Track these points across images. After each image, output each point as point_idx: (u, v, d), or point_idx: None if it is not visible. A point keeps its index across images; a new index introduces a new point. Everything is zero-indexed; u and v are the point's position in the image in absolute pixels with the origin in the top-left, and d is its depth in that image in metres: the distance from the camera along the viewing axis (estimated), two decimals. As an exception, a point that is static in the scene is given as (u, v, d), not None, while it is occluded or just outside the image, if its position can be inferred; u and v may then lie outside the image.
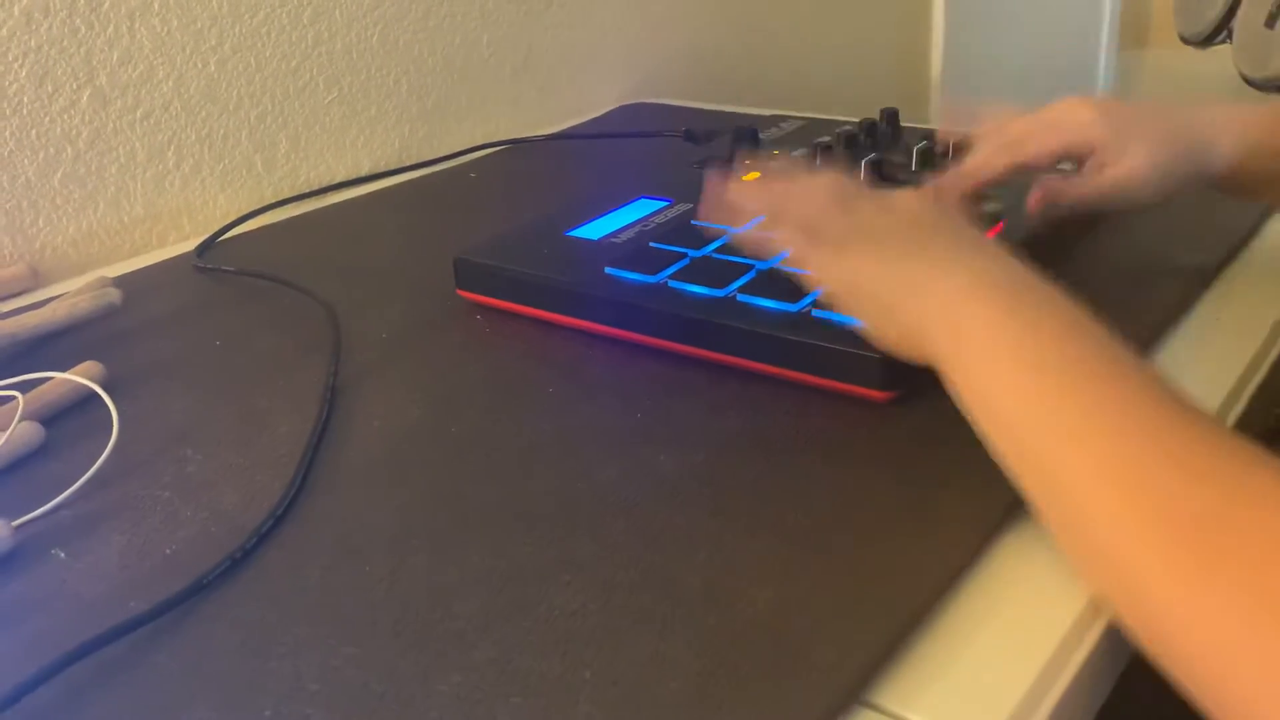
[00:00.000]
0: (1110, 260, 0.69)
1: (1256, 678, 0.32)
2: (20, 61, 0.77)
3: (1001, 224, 0.64)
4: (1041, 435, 0.40)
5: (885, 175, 0.76)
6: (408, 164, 1.00)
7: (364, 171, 0.99)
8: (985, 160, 0.63)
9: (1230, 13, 1.19)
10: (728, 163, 0.81)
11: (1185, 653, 0.35)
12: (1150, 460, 0.37)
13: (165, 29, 0.84)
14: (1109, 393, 0.40)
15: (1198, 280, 0.65)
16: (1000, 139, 0.63)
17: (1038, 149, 0.62)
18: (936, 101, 1.81)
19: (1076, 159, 0.63)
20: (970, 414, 0.44)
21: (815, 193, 0.54)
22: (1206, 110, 0.62)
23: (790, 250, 0.54)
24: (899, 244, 0.49)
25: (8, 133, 0.77)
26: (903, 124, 0.87)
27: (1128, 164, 0.60)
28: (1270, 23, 1.11)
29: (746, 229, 0.58)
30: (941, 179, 0.64)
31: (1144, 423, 0.38)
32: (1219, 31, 1.22)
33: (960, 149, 0.78)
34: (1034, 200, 0.63)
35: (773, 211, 0.55)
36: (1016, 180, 0.63)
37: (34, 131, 0.78)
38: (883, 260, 0.49)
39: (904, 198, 0.53)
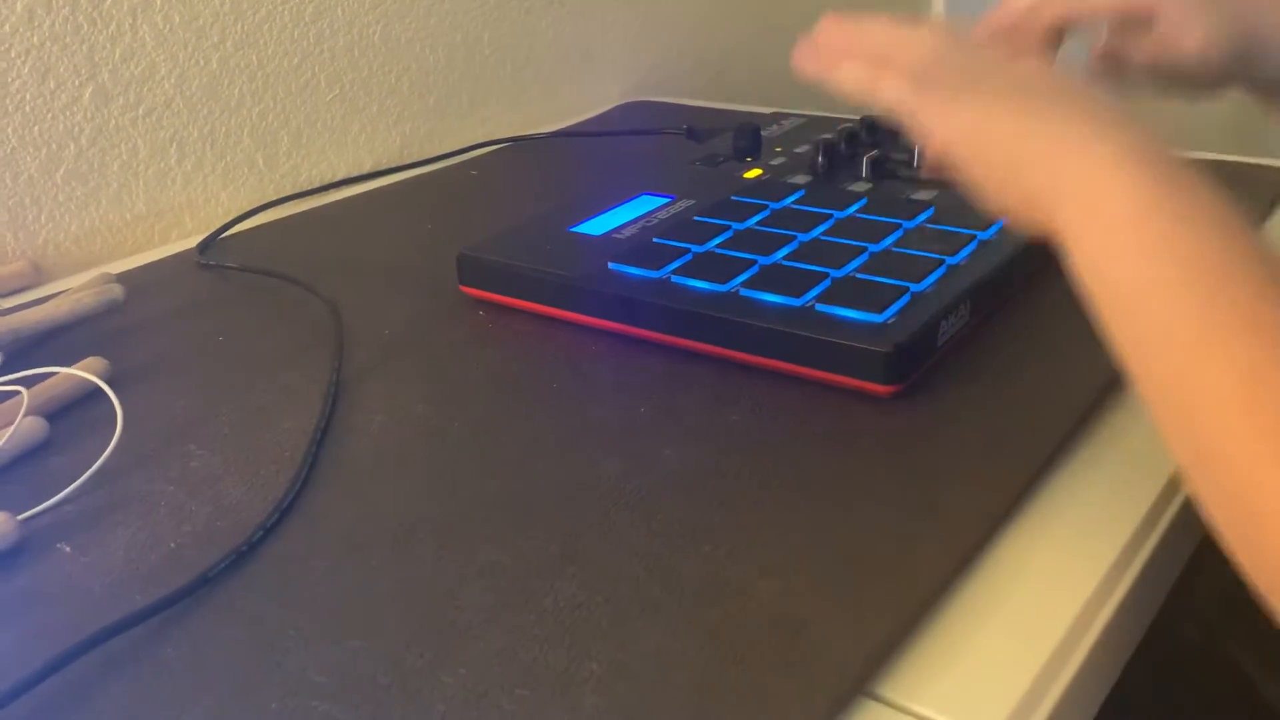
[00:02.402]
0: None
1: None
2: (23, 58, 0.77)
3: None
4: (1172, 337, 0.37)
5: (887, 172, 0.76)
6: (409, 161, 1.00)
7: (365, 169, 0.99)
8: (1032, 9, 0.56)
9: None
10: (730, 161, 0.81)
11: None
12: None
13: (167, 26, 0.84)
14: (1255, 308, 0.36)
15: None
16: None
17: (1096, 3, 0.57)
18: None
19: (1130, 26, 0.57)
20: (1093, 299, 0.40)
21: (928, 41, 0.47)
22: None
23: (897, 98, 0.47)
24: (1033, 99, 0.44)
25: (10, 129, 0.77)
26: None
27: (1195, 35, 0.55)
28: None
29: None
30: (979, 25, 0.58)
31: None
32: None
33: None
34: (1094, 60, 0.58)
35: (878, 58, 0.48)
36: (1061, 38, 0.57)
37: (36, 128, 0.78)
38: (1014, 114, 0.43)
39: (1029, 61, 0.47)
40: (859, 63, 0.48)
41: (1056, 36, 0.58)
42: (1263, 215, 0.73)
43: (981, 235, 0.63)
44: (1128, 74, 0.58)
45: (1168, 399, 0.37)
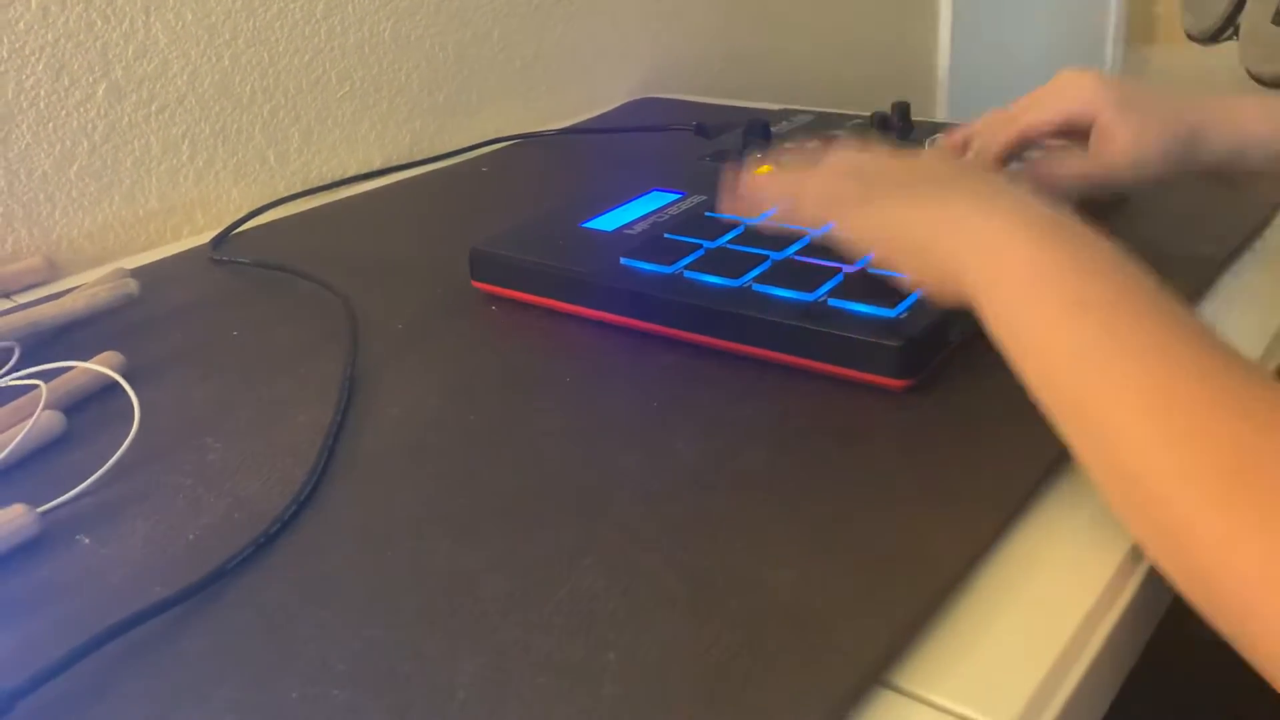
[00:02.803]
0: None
1: None
2: (37, 55, 0.77)
3: None
4: (1078, 370, 0.40)
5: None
6: (419, 158, 1.00)
7: (375, 165, 1.00)
8: (988, 136, 0.64)
9: (1237, 9, 1.20)
10: (739, 156, 0.81)
11: (1221, 586, 0.35)
12: (1187, 395, 0.37)
13: (180, 23, 0.84)
14: (1149, 329, 0.39)
15: (1206, 272, 0.66)
16: (999, 117, 0.64)
17: (1038, 117, 0.63)
18: (944, 96, 1.82)
19: (1076, 133, 0.63)
20: (1005, 349, 0.44)
21: (829, 170, 0.54)
22: (1201, 98, 0.62)
23: (813, 221, 0.54)
24: (928, 187, 0.49)
25: (25, 126, 0.77)
26: (914, 118, 0.88)
27: (1127, 138, 0.60)
28: (1277, 20, 1.11)
29: (764, 219, 0.59)
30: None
31: (1183, 360, 0.38)
32: (1226, 28, 1.22)
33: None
34: (1027, 177, 0.63)
35: (790, 196, 0.56)
36: (1020, 153, 0.64)
37: (50, 125, 0.79)
38: (913, 203, 0.49)
39: (924, 154, 0.53)
40: (777, 201, 0.57)
41: (1009, 157, 0.66)
42: (1262, 223, 0.73)
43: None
44: (1060, 187, 0.63)
45: (1082, 424, 0.40)
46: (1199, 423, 0.36)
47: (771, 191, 0.58)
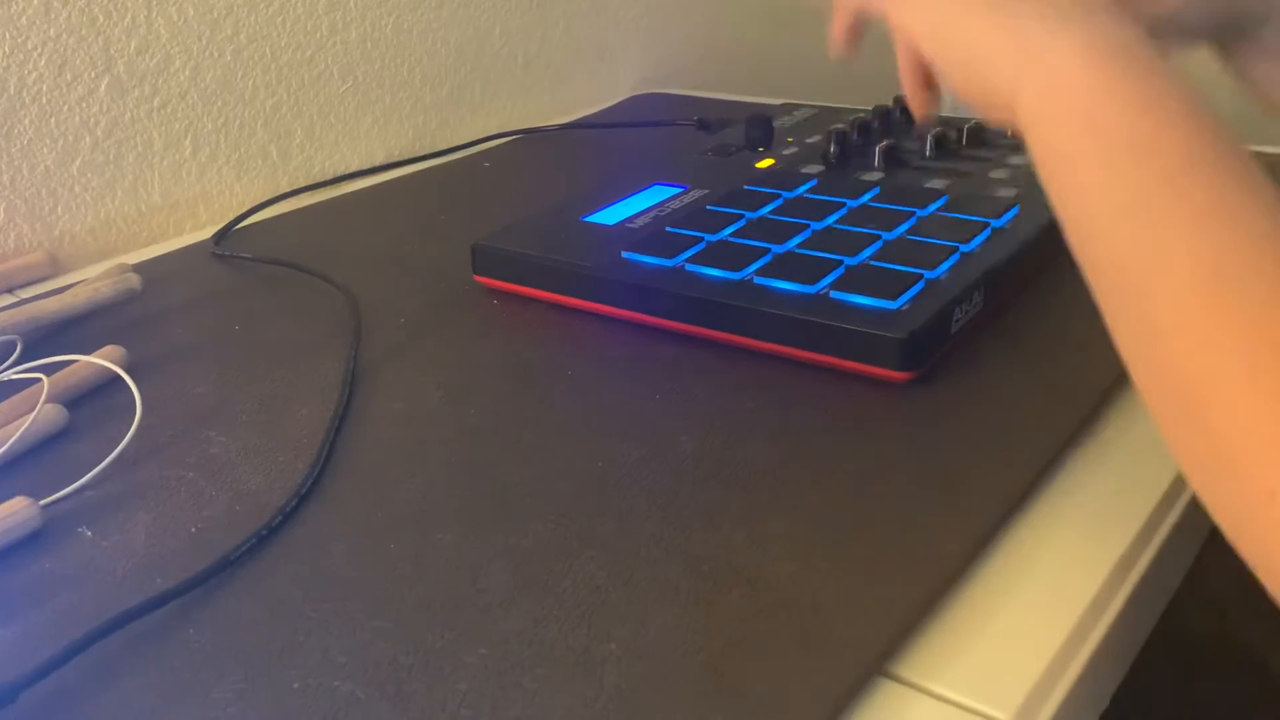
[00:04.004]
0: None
1: None
2: (39, 50, 0.77)
3: None
4: (1127, 226, 0.36)
5: (899, 162, 0.76)
6: (421, 153, 1.00)
7: (378, 161, 1.00)
8: None
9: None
10: (740, 151, 0.81)
11: (1261, 485, 0.31)
12: (1246, 277, 0.33)
13: (182, 18, 0.84)
14: (1211, 197, 0.35)
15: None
16: None
17: None
18: (948, 90, 1.81)
19: None
20: (1046, 188, 0.39)
21: None
22: None
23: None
24: None
25: (27, 121, 0.77)
26: (916, 111, 0.87)
27: None
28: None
29: None
30: None
31: (1245, 234, 0.34)
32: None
33: (976, 135, 0.78)
34: None
35: None
36: None
37: (53, 120, 0.79)
38: (980, 8, 0.43)
39: None
40: None
41: None
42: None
43: (995, 223, 0.64)
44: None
45: (1120, 284, 0.36)
46: (1257, 309, 0.32)
47: None
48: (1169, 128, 0.37)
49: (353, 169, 0.97)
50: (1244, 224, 0.34)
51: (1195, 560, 0.49)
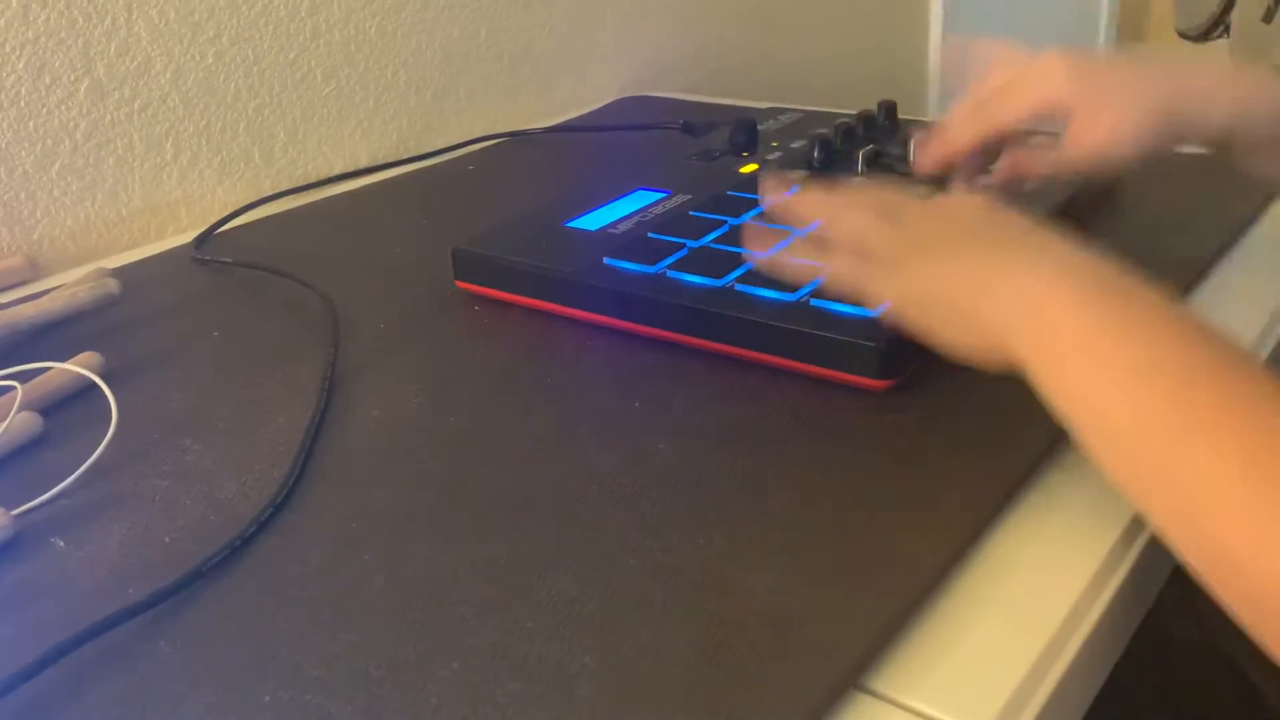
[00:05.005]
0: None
1: None
2: (18, 53, 0.77)
3: None
4: (1156, 439, 0.38)
5: (882, 167, 0.76)
6: (406, 156, 1.00)
7: (362, 164, 0.99)
8: (957, 132, 0.61)
9: (1227, 8, 1.20)
10: (724, 155, 0.81)
11: None
12: (1269, 464, 0.35)
13: (163, 20, 0.84)
14: (1223, 391, 0.37)
15: (1192, 271, 0.65)
16: (970, 105, 0.61)
17: (1007, 115, 0.60)
18: (934, 94, 1.81)
19: (1056, 120, 0.60)
20: (1065, 418, 0.41)
21: (858, 210, 0.51)
22: (1193, 75, 0.59)
23: (845, 276, 0.51)
24: (965, 246, 0.47)
25: (5, 124, 0.77)
26: (900, 116, 0.87)
27: (1104, 130, 0.57)
28: (1267, 17, 1.11)
29: (779, 249, 0.56)
30: (917, 156, 0.64)
31: (1266, 417, 0.36)
32: (1216, 26, 1.22)
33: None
34: (997, 176, 0.61)
35: (816, 237, 0.53)
36: (993, 148, 0.62)
37: (31, 123, 0.78)
38: (951, 264, 0.46)
39: (954, 201, 0.50)
40: (803, 251, 0.54)
41: (990, 156, 0.63)
42: (1256, 212, 0.73)
43: (976, 230, 0.63)
44: (1031, 184, 0.62)
45: (1166, 503, 0.38)
46: None
47: (798, 217, 0.55)
48: (1160, 342, 0.39)
49: (336, 172, 0.97)
50: (1254, 412, 0.36)
51: (1174, 570, 0.49)
